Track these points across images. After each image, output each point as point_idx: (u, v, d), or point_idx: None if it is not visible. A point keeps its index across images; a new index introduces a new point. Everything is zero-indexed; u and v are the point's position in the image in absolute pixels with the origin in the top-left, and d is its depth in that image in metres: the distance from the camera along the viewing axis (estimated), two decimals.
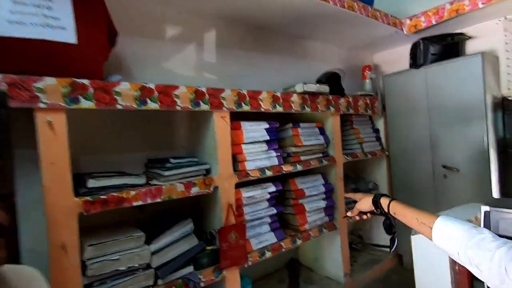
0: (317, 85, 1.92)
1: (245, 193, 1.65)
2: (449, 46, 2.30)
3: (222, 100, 1.51)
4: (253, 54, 2.17)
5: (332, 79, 2.19)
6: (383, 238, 2.73)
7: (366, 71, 2.75)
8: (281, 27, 2.19)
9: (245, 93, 1.62)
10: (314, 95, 1.98)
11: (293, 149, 1.91)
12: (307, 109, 1.95)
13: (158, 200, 1.29)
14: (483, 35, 2.31)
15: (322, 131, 2.12)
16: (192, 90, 1.40)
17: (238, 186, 1.62)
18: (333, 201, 2.11)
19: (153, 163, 1.53)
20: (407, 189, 2.53)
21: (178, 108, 1.36)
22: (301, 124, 1.98)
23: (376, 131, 2.63)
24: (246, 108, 1.62)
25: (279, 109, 1.79)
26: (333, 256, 2.21)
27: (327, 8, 1.87)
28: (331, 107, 2.11)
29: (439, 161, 2.29)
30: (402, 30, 2.34)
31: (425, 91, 2.33)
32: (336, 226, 2.11)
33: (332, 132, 2.13)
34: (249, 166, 1.66)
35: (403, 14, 2.39)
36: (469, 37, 2.32)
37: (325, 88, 1.97)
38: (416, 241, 0.96)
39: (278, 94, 1.79)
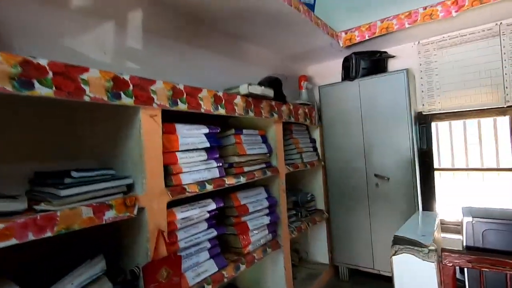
0: (263, 87, 1.74)
1: (180, 214, 1.31)
2: (376, 62, 2.46)
3: (152, 94, 1.17)
4: (190, 48, 1.87)
5: (274, 85, 2.05)
6: (320, 252, 2.68)
7: (303, 81, 2.74)
8: (222, 23, 1.95)
9: (182, 89, 1.31)
10: (258, 99, 1.79)
11: (236, 159, 1.66)
12: (251, 114, 1.74)
13: (48, 234, 0.85)
14: (402, 55, 2.55)
15: (264, 139, 1.94)
16: (109, 76, 1.02)
17: (171, 205, 1.27)
18: (277, 216, 1.93)
19: (43, 179, 1.05)
20: (342, 198, 2.55)
21: (86, 98, 0.96)
22: (244, 131, 1.75)
23: (313, 141, 2.61)
24: (183, 106, 1.30)
25: (222, 111, 1.53)
26: (276, 277, 2.01)
27: (272, 4, 1.72)
28: (274, 114, 1.95)
29: (372, 170, 2.37)
30: (338, 42, 2.39)
31: (358, 102, 2.42)
32: (280, 244, 1.92)
33: (275, 140, 1.98)
34: (185, 179, 1.33)
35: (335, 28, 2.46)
36: (393, 56, 2.53)
37: (270, 92, 1.81)
38: (398, 262, 0.83)
39: (221, 94, 1.53)
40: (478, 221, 0.81)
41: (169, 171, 1.28)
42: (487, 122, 2.37)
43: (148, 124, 1.15)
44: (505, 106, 2.18)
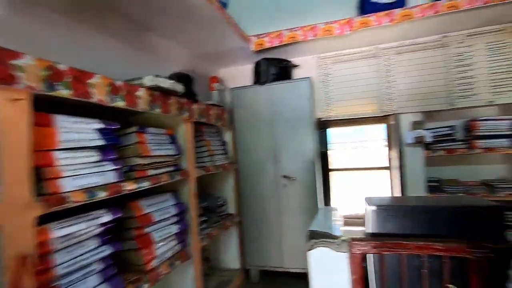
0: (172, 81, 1.57)
1: (58, 231, 1.01)
2: (284, 69, 2.61)
3: (15, 72, 0.87)
4: (84, 29, 1.54)
5: (184, 81, 1.90)
6: (231, 257, 2.62)
7: (214, 82, 2.66)
8: (127, 7, 1.69)
9: (65, 70, 1.03)
10: (166, 93, 1.61)
11: (139, 161, 1.43)
12: (158, 110, 1.54)
13: None
14: (305, 66, 2.79)
15: (173, 140, 1.76)
16: None
17: (45, 220, 0.97)
18: (186, 224, 1.76)
19: None
20: (254, 201, 2.58)
21: None
22: (149, 129, 1.54)
23: (225, 143, 2.56)
24: (65, 92, 1.03)
25: (121, 103, 1.29)
26: None
27: None
28: (184, 112, 1.80)
29: (281, 172, 2.47)
30: (249, 46, 2.42)
31: (268, 106, 2.50)
32: (189, 255, 1.76)
33: (185, 141, 1.82)
34: (67, 186, 1.04)
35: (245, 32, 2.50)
36: (297, 65, 2.73)
37: (180, 87, 1.65)
38: (313, 256, 0.82)
39: (120, 83, 1.29)
40: (381, 208, 0.89)
41: (41, 175, 0.97)
42: (370, 128, 2.81)
43: (8, 110, 0.84)
44: (382, 116, 2.63)
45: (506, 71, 2.37)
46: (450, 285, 0.82)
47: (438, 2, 2.04)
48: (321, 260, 0.81)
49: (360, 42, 2.56)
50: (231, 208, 2.60)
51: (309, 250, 0.84)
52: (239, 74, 2.98)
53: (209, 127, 2.36)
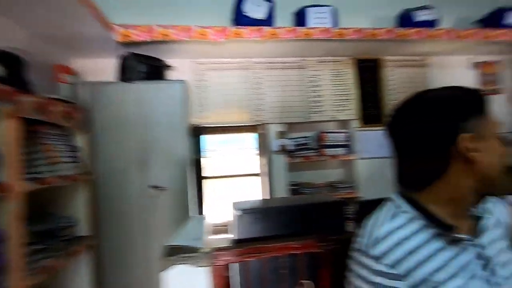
0: None
1: None
2: (156, 68, 2.38)
3: None
4: None
5: (7, 62, 1.41)
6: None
7: (64, 73, 2.15)
8: None
9: None
10: None
11: None
12: None
13: None
14: (180, 69, 2.65)
15: None
16: None
17: None
18: (2, 259, 1.26)
19: None
20: (117, 217, 2.19)
21: None
22: None
23: (77, 149, 2.07)
24: None
25: None
26: None
27: None
28: (6, 104, 1.31)
29: (149, 181, 2.20)
30: (113, 35, 2.08)
31: (136, 108, 2.20)
32: None
33: (5, 144, 1.33)
34: None
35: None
36: (171, 66, 2.56)
37: None
38: (169, 277, 0.68)
39: None
40: (246, 212, 0.86)
41: None
42: (244, 136, 2.94)
43: None
44: (254, 125, 2.79)
45: (343, 94, 2.98)
46: (306, 281, 0.87)
47: (297, 27, 2.35)
48: (178, 280, 0.69)
49: (234, 53, 2.65)
50: (84, 230, 2.11)
51: (163, 270, 0.69)
52: (102, 68, 2.53)
53: (52, 128, 1.85)
